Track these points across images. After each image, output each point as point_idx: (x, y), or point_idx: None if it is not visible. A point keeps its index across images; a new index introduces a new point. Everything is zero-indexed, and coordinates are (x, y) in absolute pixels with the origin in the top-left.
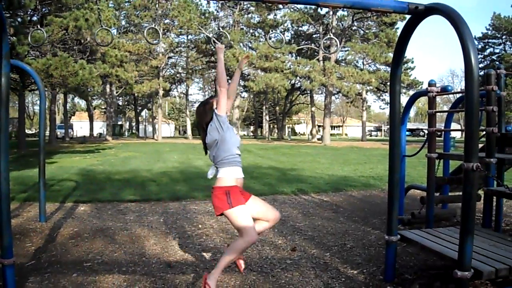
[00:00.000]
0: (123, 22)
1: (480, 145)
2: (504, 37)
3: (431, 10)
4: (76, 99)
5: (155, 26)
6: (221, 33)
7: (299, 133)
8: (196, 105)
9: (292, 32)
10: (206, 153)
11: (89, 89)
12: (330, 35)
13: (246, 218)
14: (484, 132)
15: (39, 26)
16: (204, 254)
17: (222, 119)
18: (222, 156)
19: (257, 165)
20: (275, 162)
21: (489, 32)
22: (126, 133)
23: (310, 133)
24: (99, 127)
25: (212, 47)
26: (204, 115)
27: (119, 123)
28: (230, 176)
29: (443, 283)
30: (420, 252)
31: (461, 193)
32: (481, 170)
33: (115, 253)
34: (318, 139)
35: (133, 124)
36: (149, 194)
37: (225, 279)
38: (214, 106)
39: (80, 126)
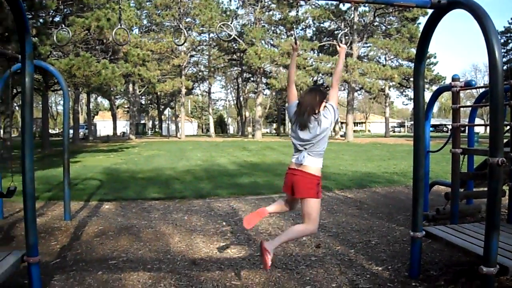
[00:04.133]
0: (145, 22)
1: (505, 140)
2: None
3: (453, 4)
4: (99, 99)
5: (180, 26)
6: (229, 26)
7: None
8: (219, 103)
9: (314, 29)
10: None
11: (112, 89)
12: (346, 31)
13: (319, 211)
14: (508, 127)
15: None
16: (229, 251)
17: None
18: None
19: (281, 163)
20: None
21: None
22: (149, 131)
23: (333, 130)
24: (122, 126)
25: (234, 45)
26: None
27: (142, 122)
28: (320, 169)
29: (469, 279)
30: (445, 248)
31: (485, 189)
32: (506, 165)
33: (140, 250)
34: (341, 136)
35: (156, 122)
36: (173, 192)
37: (250, 276)
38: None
39: (103, 126)
